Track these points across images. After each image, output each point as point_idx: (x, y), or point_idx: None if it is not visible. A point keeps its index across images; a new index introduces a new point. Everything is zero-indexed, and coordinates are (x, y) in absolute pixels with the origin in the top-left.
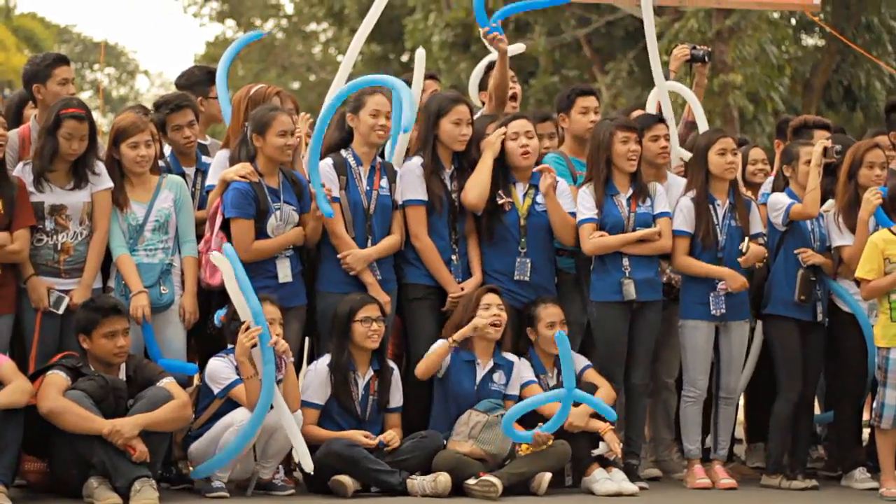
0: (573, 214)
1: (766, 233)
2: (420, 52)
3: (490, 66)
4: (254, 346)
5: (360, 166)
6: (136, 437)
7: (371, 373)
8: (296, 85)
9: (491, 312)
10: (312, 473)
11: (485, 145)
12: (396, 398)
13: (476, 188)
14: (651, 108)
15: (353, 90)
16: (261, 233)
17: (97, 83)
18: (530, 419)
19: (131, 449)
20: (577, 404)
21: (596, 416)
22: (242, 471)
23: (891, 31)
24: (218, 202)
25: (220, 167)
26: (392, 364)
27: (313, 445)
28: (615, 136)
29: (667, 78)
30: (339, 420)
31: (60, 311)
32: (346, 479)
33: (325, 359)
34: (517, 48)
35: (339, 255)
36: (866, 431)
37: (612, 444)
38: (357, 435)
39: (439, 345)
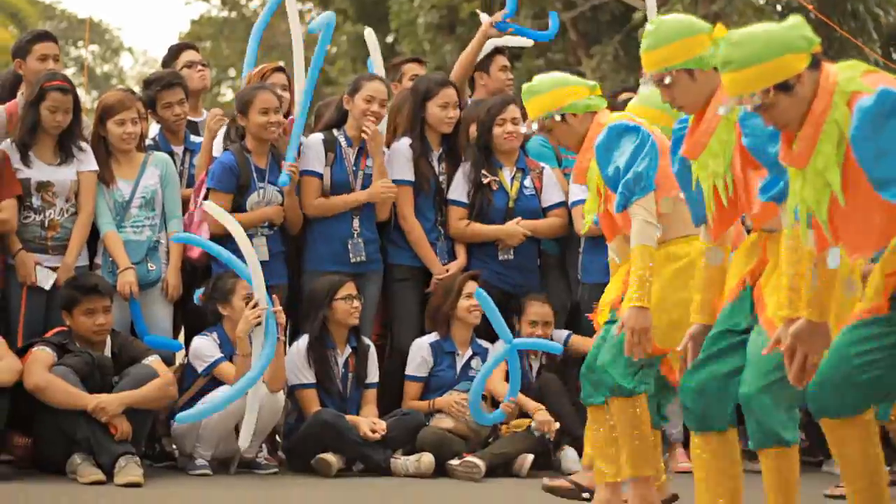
0: (560, 204)
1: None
2: (368, 31)
3: (495, 51)
4: (259, 324)
5: (349, 147)
6: (119, 415)
7: (349, 350)
8: (280, 64)
9: (472, 303)
10: (243, 449)
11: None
12: (373, 374)
13: None
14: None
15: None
16: (241, 209)
17: (82, 60)
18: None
19: (113, 427)
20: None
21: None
22: (226, 449)
23: (876, 19)
24: (203, 175)
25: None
26: (367, 341)
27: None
28: None
29: None
30: (323, 399)
31: (47, 287)
32: (330, 457)
33: (305, 339)
34: (525, 42)
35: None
36: None
37: (544, 423)
38: (362, 424)
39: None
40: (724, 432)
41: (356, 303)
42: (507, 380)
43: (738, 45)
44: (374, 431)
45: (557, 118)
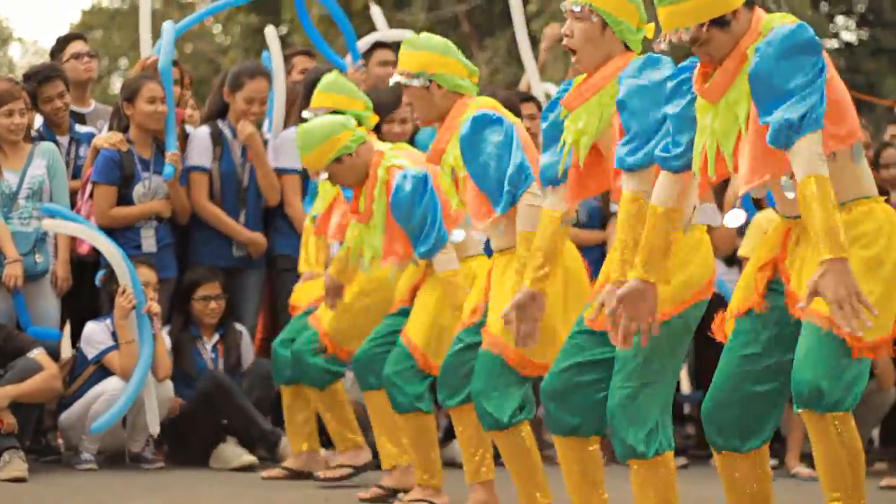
0: None
1: None
2: (270, 28)
3: (376, 45)
4: (133, 308)
5: (235, 139)
6: (4, 409)
7: (217, 337)
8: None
9: None
10: (155, 434)
11: None
12: (248, 359)
13: None
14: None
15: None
16: (128, 201)
17: None
18: None
19: None
20: None
21: None
22: (112, 442)
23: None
24: (90, 171)
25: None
26: (240, 327)
27: None
28: None
29: (538, 58)
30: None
31: None
32: (248, 456)
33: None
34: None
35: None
36: None
37: None
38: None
39: None
40: (587, 439)
41: (213, 304)
42: None
43: None
44: None
45: (425, 82)
